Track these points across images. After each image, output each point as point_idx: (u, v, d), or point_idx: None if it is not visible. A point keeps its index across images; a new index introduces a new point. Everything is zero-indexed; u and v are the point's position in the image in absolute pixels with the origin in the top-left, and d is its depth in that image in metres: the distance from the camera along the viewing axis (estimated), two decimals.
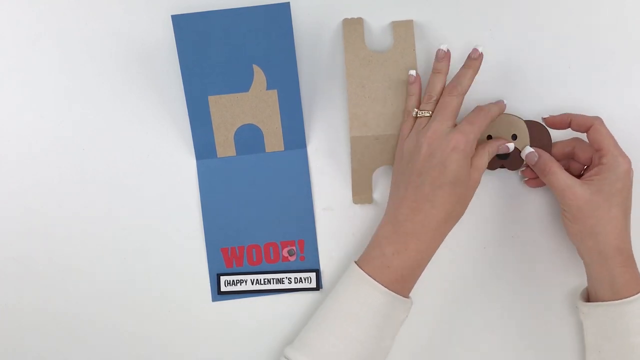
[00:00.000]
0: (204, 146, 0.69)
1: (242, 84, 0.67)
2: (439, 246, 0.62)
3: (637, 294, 0.61)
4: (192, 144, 0.69)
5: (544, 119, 0.67)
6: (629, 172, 0.63)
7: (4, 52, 0.67)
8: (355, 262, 0.63)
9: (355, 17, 0.67)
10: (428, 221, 0.61)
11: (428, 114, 0.64)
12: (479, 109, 0.64)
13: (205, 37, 0.66)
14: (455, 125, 0.62)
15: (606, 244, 0.62)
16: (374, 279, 0.61)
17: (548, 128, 0.68)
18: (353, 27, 0.66)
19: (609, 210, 0.62)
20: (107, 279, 0.70)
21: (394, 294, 0.61)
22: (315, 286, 0.70)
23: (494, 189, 0.70)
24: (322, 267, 0.70)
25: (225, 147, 0.69)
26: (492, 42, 0.69)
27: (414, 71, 0.65)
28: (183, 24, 0.65)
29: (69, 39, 0.67)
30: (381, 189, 0.70)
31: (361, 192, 0.69)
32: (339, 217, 0.70)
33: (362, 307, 0.61)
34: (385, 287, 0.60)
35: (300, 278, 0.70)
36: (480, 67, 0.68)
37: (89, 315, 0.71)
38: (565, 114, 0.67)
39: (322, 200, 0.70)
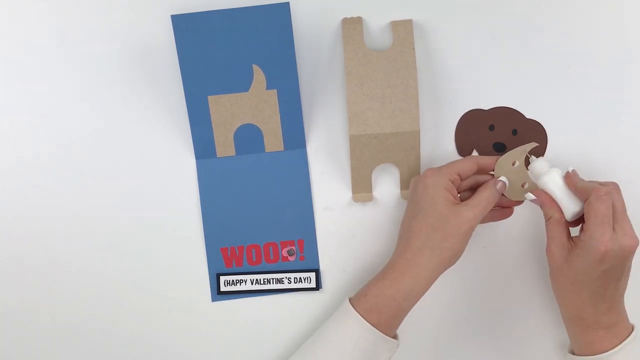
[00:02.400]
0: (203, 146, 0.69)
1: (242, 84, 0.67)
2: (421, 283, 0.60)
3: (598, 354, 0.60)
4: (192, 143, 0.69)
5: (568, 174, 0.62)
6: (605, 256, 0.56)
7: (4, 52, 0.68)
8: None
9: (355, 16, 0.67)
10: (406, 252, 0.61)
11: None
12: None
13: (205, 37, 0.66)
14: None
15: (565, 310, 0.63)
16: (353, 307, 0.61)
17: (545, 129, 0.68)
18: (352, 27, 0.66)
19: (572, 283, 0.60)
20: (106, 278, 0.70)
21: (368, 324, 0.60)
22: (314, 286, 0.70)
23: None
24: (321, 267, 0.70)
25: (225, 146, 0.69)
26: (492, 42, 0.68)
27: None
28: (183, 24, 0.65)
29: (69, 38, 0.68)
30: (380, 187, 0.70)
31: (361, 190, 0.69)
32: (338, 217, 0.70)
33: (343, 338, 0.61)
34: (363, 316, 0.60)
35: (300, 278, 0.70)
36: (480, 68, 0.68)
37: (88, 315, 0.71)
38: (589, 182, 0.60)
39: (321, 200, 0.70)
